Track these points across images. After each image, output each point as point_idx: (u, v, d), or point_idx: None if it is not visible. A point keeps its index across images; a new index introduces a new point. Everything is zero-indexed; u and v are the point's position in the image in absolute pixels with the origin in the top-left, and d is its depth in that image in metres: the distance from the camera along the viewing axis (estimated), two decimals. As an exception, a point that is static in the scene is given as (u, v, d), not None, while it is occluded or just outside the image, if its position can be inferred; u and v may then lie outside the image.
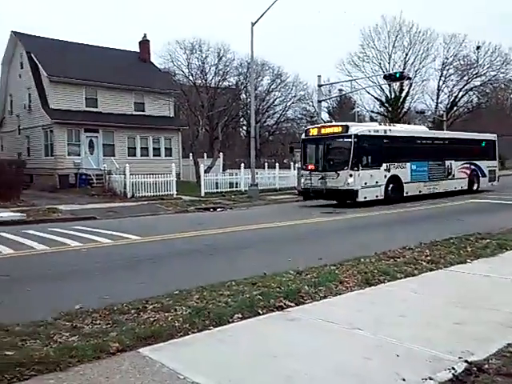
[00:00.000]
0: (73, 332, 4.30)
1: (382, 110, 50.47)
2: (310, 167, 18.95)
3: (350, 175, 17.45)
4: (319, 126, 20.13)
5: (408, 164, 19.67)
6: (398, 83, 41.65)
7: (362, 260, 7.19)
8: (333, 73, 67.24)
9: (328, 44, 74.71)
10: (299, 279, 6.09)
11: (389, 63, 46.81)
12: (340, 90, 48.07)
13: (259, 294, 5.35)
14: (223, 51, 45.94)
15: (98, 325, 4.54)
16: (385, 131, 19.25)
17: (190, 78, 45.24)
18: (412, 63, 46.70)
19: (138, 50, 34.61)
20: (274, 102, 52.63)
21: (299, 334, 4.31)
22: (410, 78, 36.23)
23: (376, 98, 49.03)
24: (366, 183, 17.75)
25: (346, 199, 18.00)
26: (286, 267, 6.77)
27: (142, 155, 29.72)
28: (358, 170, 17.47)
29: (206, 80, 46.04)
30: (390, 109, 48.07)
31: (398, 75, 25.45)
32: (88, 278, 7.27)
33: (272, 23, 53.60)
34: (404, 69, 43.58)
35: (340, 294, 5.56)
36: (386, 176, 18.52)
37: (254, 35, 22.55)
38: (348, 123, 19.14)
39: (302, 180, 19.36)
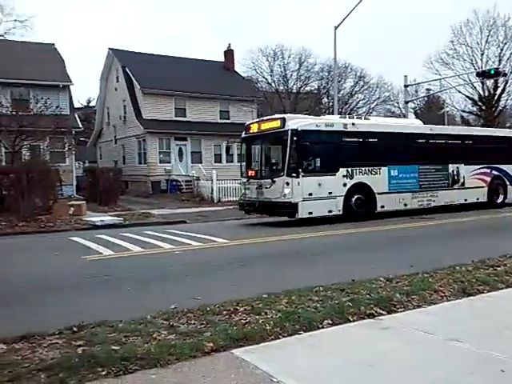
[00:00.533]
0: (170, 331, 4.51)
1: (474, 109, 47.49)
2: (249, 173, 15.35)
3: (287, 183, 13.52)
4: (259, 120, 16.13)
5: (384, 169, 15.29)
6: (492, 80, 38.92)
7: (458, 268, 6.82)
8: (420, 72, 64.67)
9: (413, 43, 71.99)
10: (389, 287, 5.91)
11: (481, 59, 43.94)
12: (428, 90, 46.07)
13: (348, 300, 5.27)
14: (304, 56, 46.10)
15: (193, 324, 4.72)
16: (344, 125, 14.86)
17: (273, 84, 46.00)
18: (508, 58, 43.44)
19: (222, 60, 35.76)
20: (356, 105, 51.63)
21: (393, 343, 4.18)
22: (505, 75, 33.62)
23: (467, 97, 46.22)
24: (311, 194, 13.71)
25: (283, 214, 14.29)
26: (370, 274, 6.60)
27: (227, 161, 30.58)
28: (297, 177, 13.51)
29: (287, 86, 46.46)
30: (483, 107, 45.09)
31: (492, 72, 23.83)
32: (180, 278, 7.61)
33: (354, 25, 52.74)
34: (499, 65, 40.67)
35: (435, 304, 5.32)
36: (345, 184, 14.41)
37: (336, 39, 22.40)
38: (286, 115, 15.41)
39: (243, 190, 15.85)
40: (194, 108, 30.53)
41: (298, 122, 14.02)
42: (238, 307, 5.20)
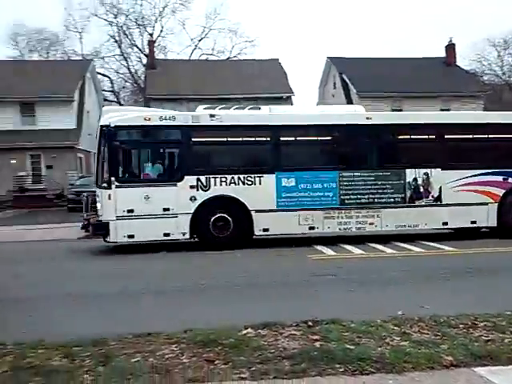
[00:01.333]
0: (403, 337, 4.43)
1: None
2: None
3: (97, 196, 10.80)
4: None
5: (269, 177, 10.94)
6: None
7: None
8: None
9: None
10: None
11: None
12: None
13: None
14: (545, 39, 39.86)
15: (427, 334, 4.54)
16: (196, 118, 10.87)
17: (503, 76, 41.06)
18: None
19: (442, 55, 33.62)
20: None
21: None
22: None
23: None
24: (131, 210, 10.33)
25: (100, 236, 11.16)
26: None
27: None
28: (108, 188, 10.32)
29: (522, 75, 40.87)
30: None
31: None
32: (403, 284, 7.39)
33: None
34: None
35: None
36: (194, 198, 10.59)
37: None
38: (106, 107, 11.34)
39: None
40: (411, 108, 29.30)
41: (114, 115, 10.76)
42: (476, 322, 4.81)
